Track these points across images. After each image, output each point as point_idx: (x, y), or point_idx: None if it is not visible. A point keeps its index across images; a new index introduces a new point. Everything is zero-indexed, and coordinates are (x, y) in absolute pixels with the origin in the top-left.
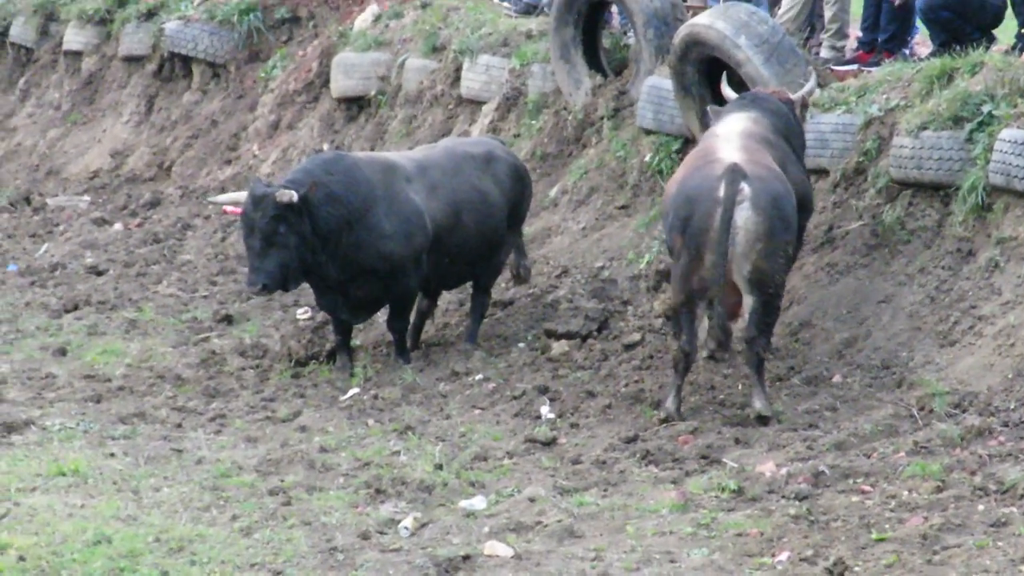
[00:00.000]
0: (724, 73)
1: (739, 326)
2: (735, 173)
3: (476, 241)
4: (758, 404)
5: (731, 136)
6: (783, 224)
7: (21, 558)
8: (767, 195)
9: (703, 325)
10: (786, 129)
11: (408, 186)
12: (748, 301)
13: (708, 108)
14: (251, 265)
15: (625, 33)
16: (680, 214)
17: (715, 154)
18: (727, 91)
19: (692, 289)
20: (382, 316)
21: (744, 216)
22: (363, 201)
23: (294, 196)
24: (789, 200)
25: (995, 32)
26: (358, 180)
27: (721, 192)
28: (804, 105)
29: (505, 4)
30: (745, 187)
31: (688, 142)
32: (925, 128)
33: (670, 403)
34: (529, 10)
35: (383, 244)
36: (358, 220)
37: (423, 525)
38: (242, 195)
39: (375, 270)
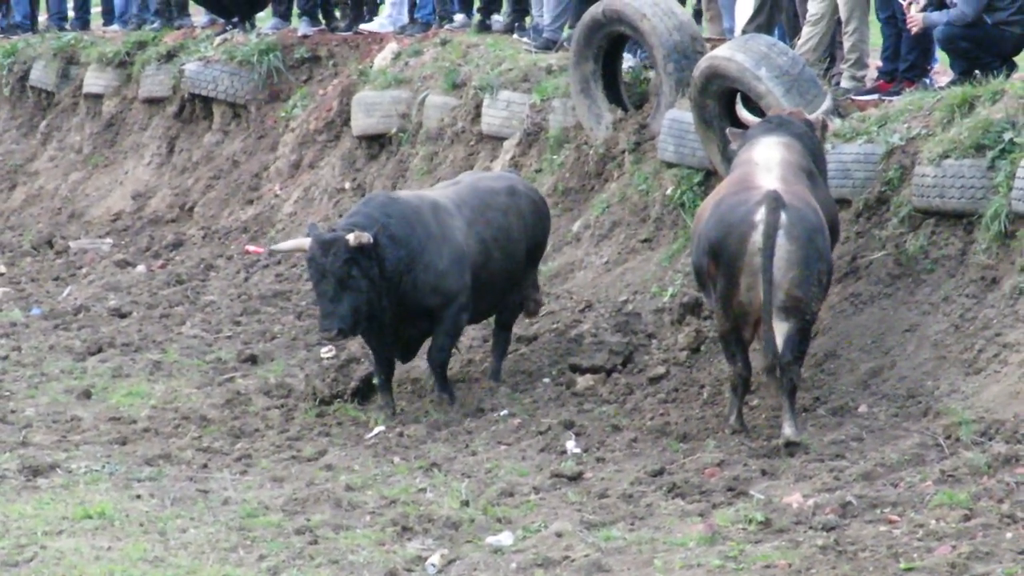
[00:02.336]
0: (739, 95)
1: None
2: (776, 200)
3: (502, 277)
4: (788, 431)
5: (771, 165)
6: (816, 254)
7: None
8: (802, 225)
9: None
10: (814, 152)
11: (452, 222)
12: (783, 328)
13: (728, 131)
14: (324, 311)
15: (645, 67)
16: (713, 238)
17: (753, 181)
18: (745, 114)
19: (734, 315)
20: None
21: (778, 244)
22: (420, 241)
23: (369, 238)
24: (823, 232)
25: (1016, 60)
26: (414, 221)
27: (757, 217)
28: (824, 126)
29: (525, 40)
30: (782, 215)
31: (710, 175)
32: (947, 157)
33: (734, 420)
34: (549, 45)
35: (439, 281)
36: (417, 259)
37: (450, 562)
38: (305, 241)
39: (429, 307)
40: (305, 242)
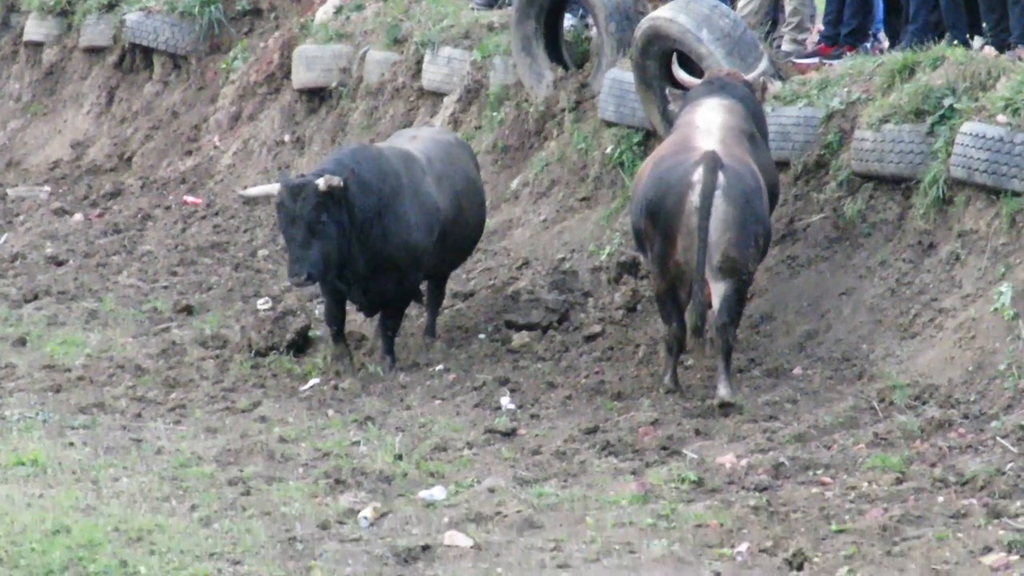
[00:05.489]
0: (675, 55)
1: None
2: (714, 161)
3: (473, 231)
4: (723, 391)
5: (711, 127)
6: (753, 216)
7: None
8: (740, 186)
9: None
10: (755, 115)
11: (424, 178)
12: (719, 289)
13: (668, 92)
14: (293, 256)
15: (587, 26)
16: (651, 198)
17: (692, 142)
18: (682, 75)
19: (671, 275)
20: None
21: (715, 204)
22: (391, 191)
23: (340, 181)
24: (760, 194)
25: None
26: (386, 171)
27: (695, 177)
28: (764, 88)
29: None
30: (720, 176)
31: (650, 135)
32: (886, 121)
33: (668, 380)
34: (491, 3)
35: (409, 235)
36: (387, 210)
37: (383, 515)
38: (274, 187)
39: (396, 262)
40: (274, 188)
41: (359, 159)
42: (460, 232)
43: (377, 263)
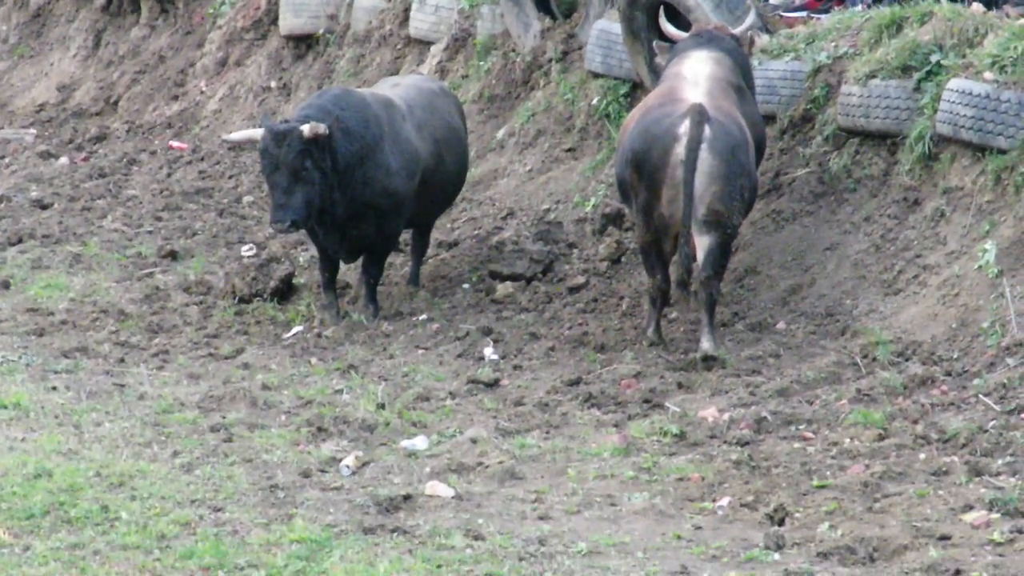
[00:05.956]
0: (662, 7)
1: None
2: (700, 114)
3: (454, 179)
4: (706, 345)
5: (698, 79)
6: (739, 168)
7: None
8: (726, 139)
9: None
10: (743, 68)
11: (404, 124)
12: (704, 242)
13: (655, 44)
14: (276, 203)
15: None
16: (636, 149)
17: (679, 94)
18: (670, 28)
19: (655, 226)
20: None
21: (701, 157)
22: (374, 137)
23: (325, 129)
24: (746, 147)
25: None
26: (368, 116)
27: (681, 129)
28: (751, 42)
29: None
30: (706, 129)
31: (636, 86)
32: (873, 77)
33: (651, 333)
34: None
35: (389, 181)
36: (369, 156)
37: (364, 464)
38: (258, 132)
39: (377, 207)
40: (257, 133)
41: (343, 105)
42: (441, 180)
43: (357, 208)
